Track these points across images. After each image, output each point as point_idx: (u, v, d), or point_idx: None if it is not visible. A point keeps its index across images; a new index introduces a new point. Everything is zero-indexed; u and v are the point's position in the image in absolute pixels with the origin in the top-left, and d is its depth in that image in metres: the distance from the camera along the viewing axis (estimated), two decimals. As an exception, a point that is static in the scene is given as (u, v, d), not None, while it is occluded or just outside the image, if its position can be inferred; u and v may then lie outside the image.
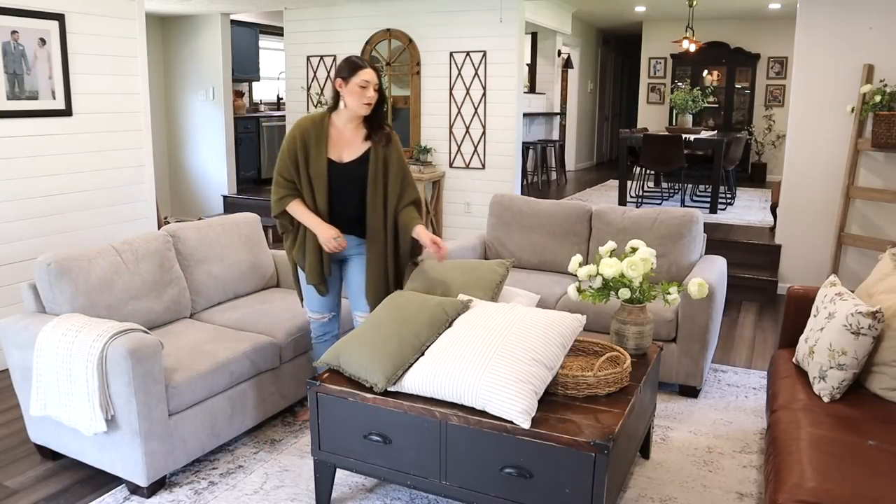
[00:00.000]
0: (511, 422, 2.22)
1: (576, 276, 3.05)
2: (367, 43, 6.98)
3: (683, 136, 7.55)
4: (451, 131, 6.73)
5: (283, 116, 8.91)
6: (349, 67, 2.93)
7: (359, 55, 3.05)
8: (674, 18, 10.74)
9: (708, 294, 3.35)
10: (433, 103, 6.78)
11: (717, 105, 10.71)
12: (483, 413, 2.29)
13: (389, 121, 6.98)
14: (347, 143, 3.00)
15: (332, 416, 2.54)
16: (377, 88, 2.93)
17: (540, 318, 2.49)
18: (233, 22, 8.34)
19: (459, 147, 6.72)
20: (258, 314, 3.47)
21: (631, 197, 8.36)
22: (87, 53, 4.36)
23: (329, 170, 2.96)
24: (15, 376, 2.94)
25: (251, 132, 9.18)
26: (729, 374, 4.00)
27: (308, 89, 7.33)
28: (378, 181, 2.98)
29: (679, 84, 10.96)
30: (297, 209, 2.98)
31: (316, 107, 7.25)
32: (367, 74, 2.91)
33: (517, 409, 2.21)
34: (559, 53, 10.66)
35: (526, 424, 2.19)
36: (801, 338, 2.90)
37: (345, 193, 2.99)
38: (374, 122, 3.00)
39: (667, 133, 7.96)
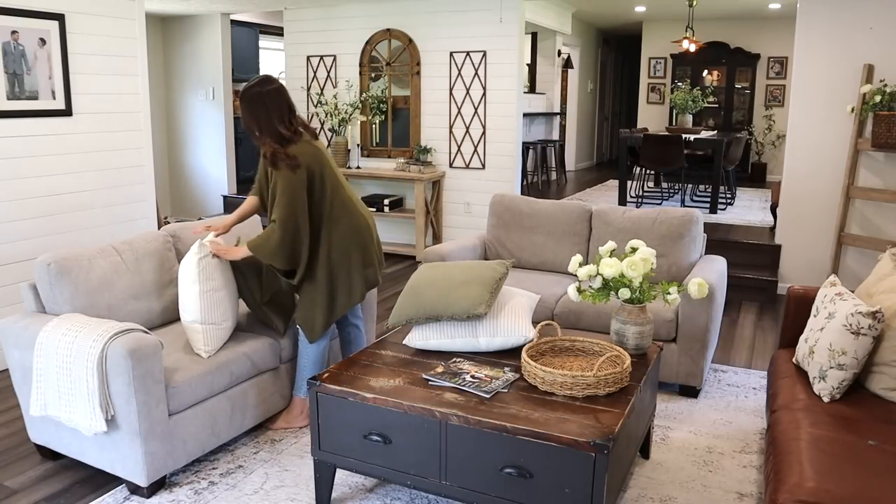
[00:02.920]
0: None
1: (576, 276, 3.05)
2: (367, 43, 6.98)
3: (683, 136, 7.55)
4: (451, 131, 6.73)
5: (283, 116, 8.89)
6: None
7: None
8: (674, 18, 10.74)
9: (708, 294, 3.35)
10: (433, 103, 6.78)
11: (717, 105, 10.71)
12: (483, 412, 2.29)
13: (389, 121, 7.00)
14: None
15: (332, 416, 2.54)
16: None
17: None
18: (233, 22, 8.34)
19: (459, 147, 6.72)
20: (258, 314, 3.47)
21: (631, 197, 8.37)
22: (87, 53, 4.36)
23: None
24: (15, 376, 2.94)
25: (251, 132, 9.18)
26: (729, 374, 4.00)
27: (308, 89, 7.33)
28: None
29: (679, 84, 10.96)
30: None
31: (316, 107, 7.25)
32: None
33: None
34: (559, 53, 10.66)
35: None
36: (801, 338, 2.90)
37: None
38: None
39: (667, 133, 7.96)
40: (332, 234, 3.11)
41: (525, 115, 8.92)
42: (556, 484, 2.20)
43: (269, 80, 3.06)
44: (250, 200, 3.28)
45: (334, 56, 7.16)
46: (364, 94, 7.01)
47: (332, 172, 3.12)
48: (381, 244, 3.34)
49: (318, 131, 3.21)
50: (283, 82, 3.15)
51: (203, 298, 3.00)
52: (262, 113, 2.98)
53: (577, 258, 2.95)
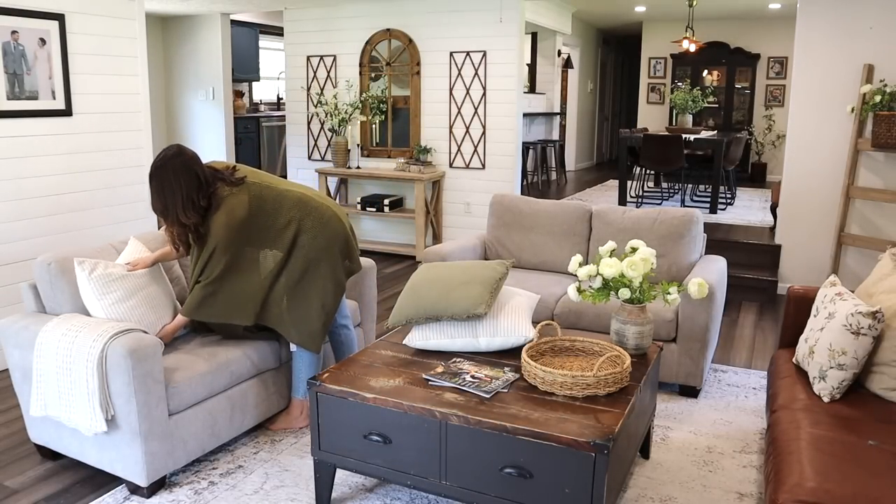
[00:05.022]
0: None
1: (576, 276, 3.06)
2: (367, 43, 6.98)
3: (683, 136, 7.55)
4: (451, 131, 6.73)
5: (283, 116, 8.91)
6: None
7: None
8: (674, 18, 10.74)
9: (708, 294, 3.35)
10: (433, 103, 6.78)
11: (717, 105, 10.71)
12: (483, 412, 2.29)
13: (389, 121, 7.00)
14: None
15: (332, 416, 2.54)
16: None
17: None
18: (233, 22, 8.35)
19: (459, 147, 6.72)
20: (258, 314, 3.46)
21: (631, 197, 8.37)
22: (87, 53, 4.36)
23: None
24: (15, 376, 2.94)
25: (251, 132, 9.20)
26: (729, 374, 4.00)
27: (308, 89, 7.33)
28: None
29: (679, 84, 10.97)
30: None
31: (316, 107, 7.25)
32: None
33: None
34: (559, 53, 10.67)
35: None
36: (801, 338, 2.90)
37: None
38: None
39: (667, 133, 7.97)
40: (299, 238, 3.06)
41: (525, 115, 8.93)
42: (556, 484, 2.20)
43: (180, 151, 2.91)
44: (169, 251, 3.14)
45: (334, 56, 7.16)
46: (364, 94, 7.01)
47: (273, 191, 3.05)
48: (352, 228, 3.28)
49: (234, 169, 3.06)
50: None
51: (109, 313, 2.89)
52: (176, 188, 2.84)
53: (577, 258, 2.95)
